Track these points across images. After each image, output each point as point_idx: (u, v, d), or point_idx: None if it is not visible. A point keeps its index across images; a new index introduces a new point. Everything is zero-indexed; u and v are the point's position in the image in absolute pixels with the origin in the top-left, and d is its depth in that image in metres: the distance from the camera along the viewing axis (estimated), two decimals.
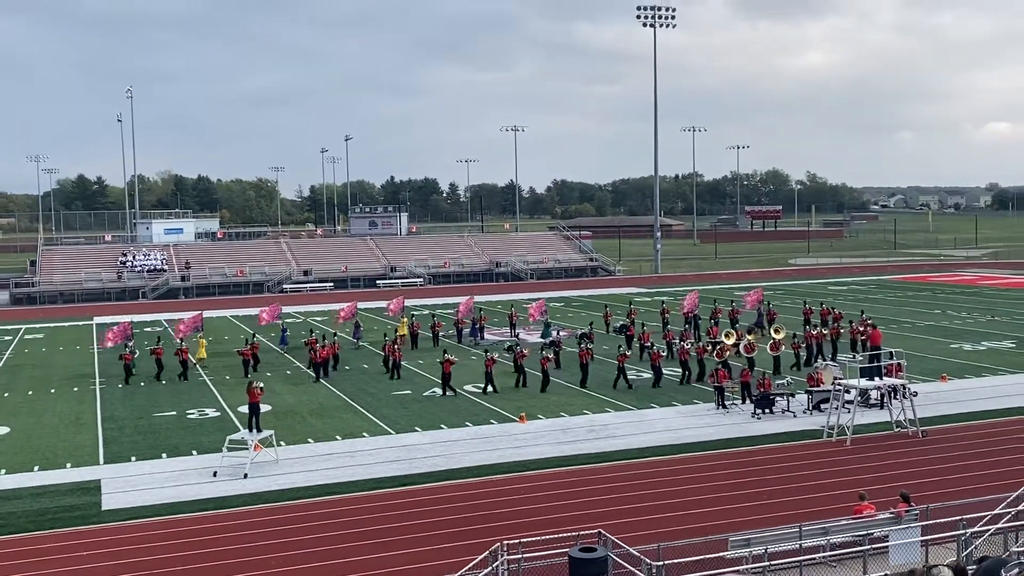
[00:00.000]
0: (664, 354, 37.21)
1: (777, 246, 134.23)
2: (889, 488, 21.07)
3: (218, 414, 31.94)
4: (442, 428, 29.02)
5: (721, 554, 15.74)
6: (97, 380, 39.05)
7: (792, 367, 36.65)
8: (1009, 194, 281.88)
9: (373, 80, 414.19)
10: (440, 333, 47.01)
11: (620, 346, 37.71)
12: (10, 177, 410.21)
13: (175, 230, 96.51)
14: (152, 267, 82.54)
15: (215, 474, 24.20)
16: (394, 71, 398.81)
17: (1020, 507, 17.68)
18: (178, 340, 41.94)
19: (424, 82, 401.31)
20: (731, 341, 36.73)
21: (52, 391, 36.94)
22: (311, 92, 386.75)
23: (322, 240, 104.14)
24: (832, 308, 46.77)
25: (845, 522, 17.56)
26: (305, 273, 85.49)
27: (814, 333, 39.63)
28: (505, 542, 15.78)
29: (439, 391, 33.91)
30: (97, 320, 60.86)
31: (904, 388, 27.47)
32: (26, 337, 54.39)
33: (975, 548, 15.91)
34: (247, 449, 24.78)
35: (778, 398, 30.20)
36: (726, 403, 30.83)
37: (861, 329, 41.45)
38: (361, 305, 55.76)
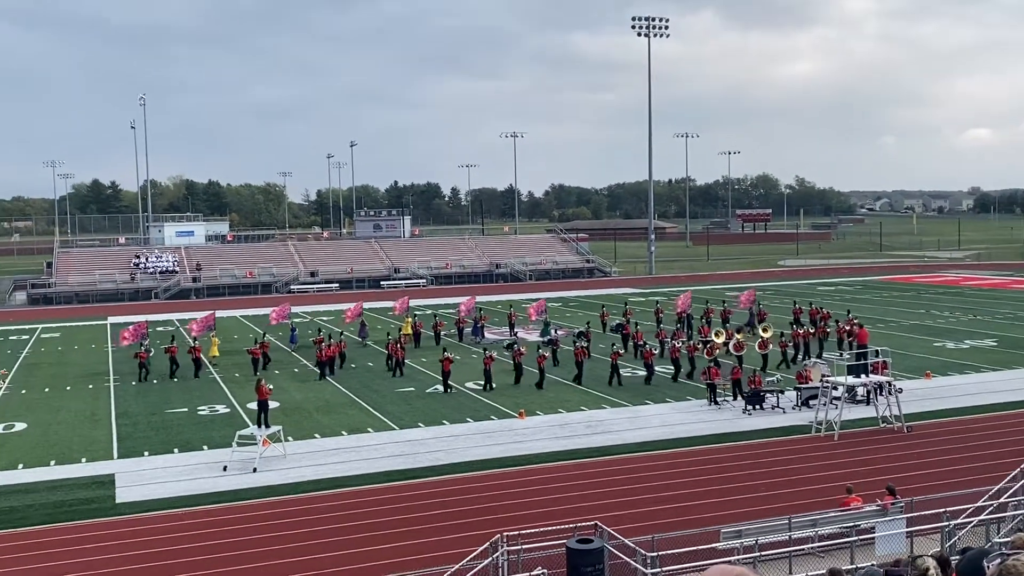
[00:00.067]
0: (656, 352, 37.82)
1: (767, 248, 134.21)
2: (875, 481, 21.40)
3: (228, 410, 32.24)
4: (444, 424, 29.39)
5: (713, 545, 16.07)
6: (111, 378, 39.40)
7: (779, 365, 37.10)
8: (990, 198, 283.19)
9: (377, 92, 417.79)
10: (442, 332, 47.49)
11: (614, 344, 38.33)
12: (28, 182, 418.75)
13: (186, 233, 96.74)
14: (164, 269, 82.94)
15: (225, 468, 24.52)
16: (397, 83, 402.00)
17: (1002, 499, 18.01)
18: (191, 339, 42.42)
19: (426, 93, 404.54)
20: (721, 340, 37.35)
21: (68, 388, 37.30)
22: (317, 103, 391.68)
23: (328, 242, 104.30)
24: (821, 308, 47.38)
25: (833, 514, 17.90)
26: (312, 274, 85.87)
27: (800, 332, 40.23)
28: (505, 533, 16.10)
29: (441, 388, 34.46)
30: (111, 320, 61.20)
31: (890, 385, 27.74)
32: (43, 336, 54.73)
33: (958, 539, 16.27)
34: (256, 444, 25.07)
35: (768, 395, 30.73)
36: (718, 399, 31.29)
37: (847, 328, 42.14)
38: (366, 305, 56.29)
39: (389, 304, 61.05)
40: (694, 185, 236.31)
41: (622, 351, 37.17)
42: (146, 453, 26.70)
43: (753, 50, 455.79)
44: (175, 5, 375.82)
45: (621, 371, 35.97)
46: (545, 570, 15.53)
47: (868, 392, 29.56)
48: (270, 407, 28.54)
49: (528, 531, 16.51)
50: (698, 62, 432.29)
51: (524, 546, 15.99)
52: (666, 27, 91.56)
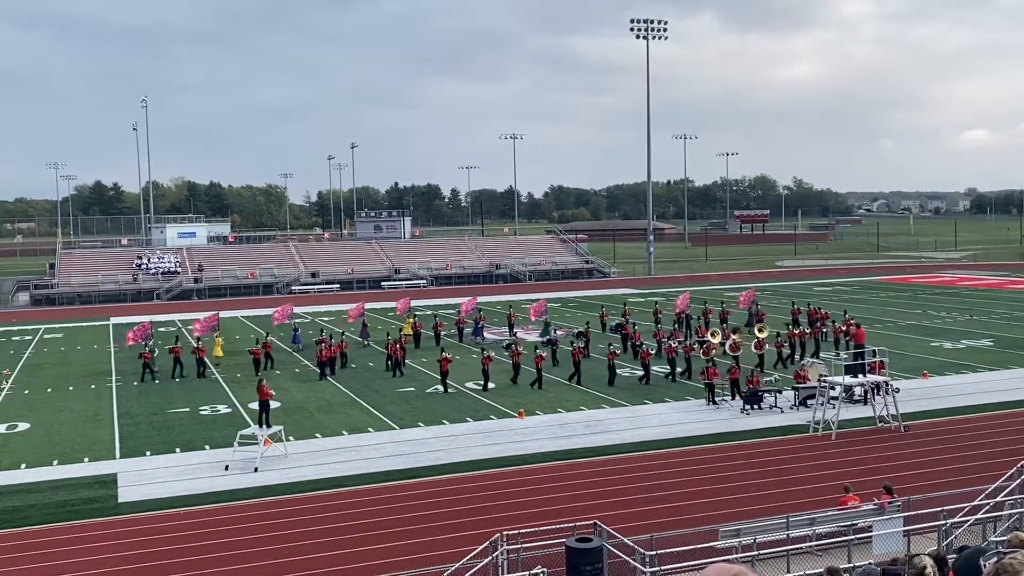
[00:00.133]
0: (653, 352, 37.96)
1: (765, 249, 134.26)
2: (872, 480, 21.46)
3: (229, 410, 32.37)
4: (444, 423, 29.51)
5: (711, 544, 16.11)
6: (113, 378, 39.50)
7: (775, 365, 37.24)
8: (987, 199, 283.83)
9: (377, 93, 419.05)
10: (442, 333, 47.64)
11: (611, 344, 38.46)
12: (30, 183, 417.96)
13: (188, 234, 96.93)
14: (166, 269, 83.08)
15: (227, 468, 24.63)
16: (397, 84, 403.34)
17: (998, 498, 18.05)
18: (195, 339, 42.55)
19: (426, 95, 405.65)
20: (717, 340, 37.47)
21: (70, 388, 37.40)
22: (318, 104, 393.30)
23: (329, 243, 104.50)
24: (819, 309, 47.55)
25: (830, 513, 17.94)
26: (313, 275, 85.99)
27: (796, 332, 40.37)
28: (505, 532, 16.13)
29: (441, 388, 34.61)
30: (114, 321, 61.43)
31: (887, 385, 27.86)
32: (45, 337, 54.86)
33: (955, 538, 16.26)
34: (257, 444, 25.17)
35: (766, 394, 30.88)
36: (716, 399, 31.46)
37: (844, 328, 42.32)
38: (367, 306, 56.38)
39: (390, 305, 61.24)
40: (692, 186, 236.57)
41: (618, 351, 37.26)
42: (148, 453, 26.80)
43: (751, 53, 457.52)
44: (175, 5, 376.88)
45: (620, 371, 36.07)
46: (545, 569, 15.60)
47: (865, 392, 29.57)
48: (271, 407, 28.70)
49: (527, 530, 16.56)
50: (696, 64, 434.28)
51: (523, 545, 16.03)
52: (664, 30, 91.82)
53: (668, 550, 15.33)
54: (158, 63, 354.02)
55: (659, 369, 36.40)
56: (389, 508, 21.52)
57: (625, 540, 15.77)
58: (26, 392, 36.77)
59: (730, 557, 15.76)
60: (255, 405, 29.40)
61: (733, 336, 37.87)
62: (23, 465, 25.67)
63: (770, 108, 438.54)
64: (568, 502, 21.51)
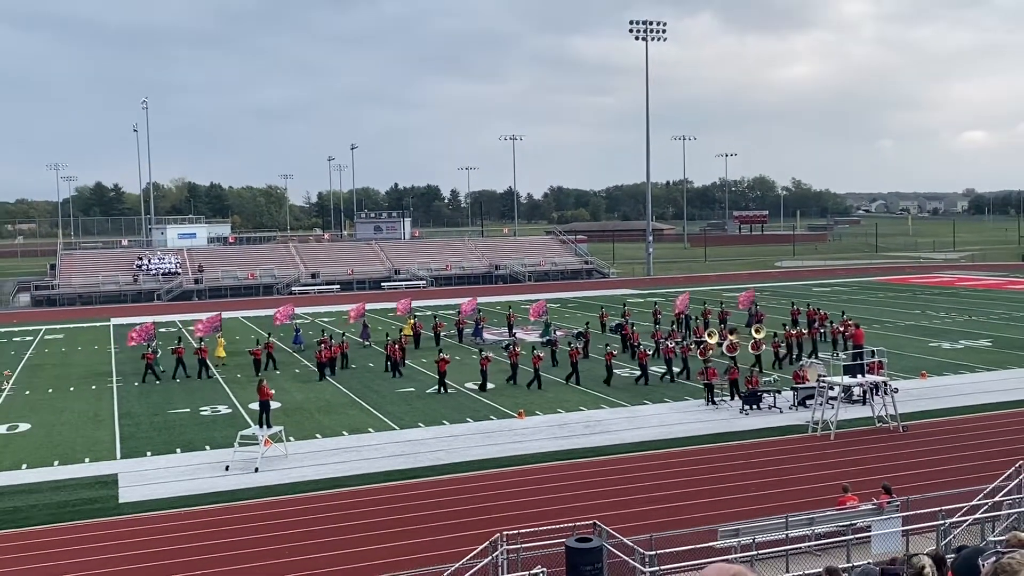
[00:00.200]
0: (650, 353, 38.03)
1: (764, 249, 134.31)
2: (871, 480, 21.50)
3: (230, 411, 32.42)
4: (444, 424, 29.57)
5: (711, 544, 16.14)
6: (114, 378, 39.54)
7: (773, 365, 37.28)
8: (985, 199, 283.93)
9: (377, 94, 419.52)
10: (442, 333, 47.67)
11: (607, 345, 38.50)
12: (31, 185, 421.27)
13: (188, 235, 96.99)
14: (167, 270, 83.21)
15: (227, 468, 24.69)
16: (397, 85, 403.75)
17: (996, 498, 18.07)
18: (197, 339, 42.55)
19: (426, 95, 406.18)
20: (714, 340, 37.55)
21: (71, 389, 37.45)
22: (318, 104, 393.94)
23: (329, 244, 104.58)
24: (818, 310, 47.62)
25: (829, 513, 17.97)
26: (313, 276, 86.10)
27: (793, 332, 40.42)
28: (505, 532, 16.16)
29: (440, 388, 34.59)
30: (114, 321, 61.56)
31: (885, 385, 27.92)
32: (46, 338, 54.92)
33: (953, 537, 16.30)
34: (258, 444, 25.23)
35: (765, 395, 30.94)
36: (715, 399, 31.57)
37: (842, 329, 42.42)
38: (367, 306, 56.45)
39: (390, 305, 61.31)
40: (692, 187, 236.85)
41: (615, 352, 37.32)
42: (149, 453, 26.86)
43: (750, 53, 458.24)
44: (175, 6, 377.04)
45: (620, 372, 36.10)
46: (544, 569, 15.64)
47: (864, 392, 29.64)
48: (272, 407, 28.75)
49: (527, 530, 16.61)
50: (696, 65, 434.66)
51: (523, 545, 16.07)
52: (663, 31, 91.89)
53: (667, 550, 15.36)
54: (158, 64, 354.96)
55: (657, 370, 36.44)
56: (389, 508, 21.56)
57: (624, 540, 15.80)
58: (27, 393, 36.83)
59: (729, 557, 15.75)
60: (255, 405, 29.45)
61: (730, 337, 37.92)
62: (24, 466, 25.73)
63: (769, 109, 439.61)
64: (568, 502, 21.56)
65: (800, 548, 16.92)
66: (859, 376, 28.53)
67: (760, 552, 16.49)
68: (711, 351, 35.71)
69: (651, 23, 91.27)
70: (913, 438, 26.77)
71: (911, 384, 33.77)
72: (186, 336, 48.10)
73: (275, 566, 18.29)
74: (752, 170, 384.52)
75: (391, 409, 31.96)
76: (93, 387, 37.78)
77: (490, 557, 15.86)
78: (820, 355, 37.25)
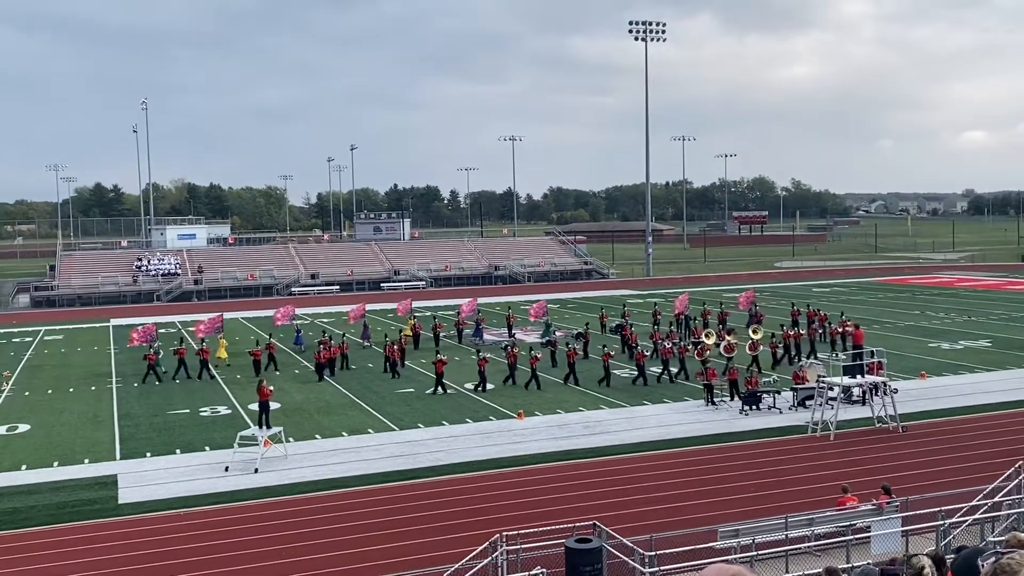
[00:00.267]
0: (648, 354, 38.01)
1: (763, 250, 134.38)
2: (871, 481, 21.54)
3: (229, 412, 32.41)
4: (443, 424, 29.58)
5: (710, 544, 16.14)
6: (114, 379, 39.54)
7: (772, 366, 37.25)
8: (984, 200, 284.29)
9: (377, 94, 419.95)
10: (441, 334, 47.65)
11: (604, 346, 38.49)
12: (30, 185, 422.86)
13: (188, 236, 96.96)
14: (166, 271, 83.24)
15: (227, 469, 24.69)
16: (397, 85, 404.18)
17: (996, 499, 18.06)
18: (199, 340, 42.51)
19: (425, 96, 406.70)
20: (711, 341, 37.57)
21: (71, 390, 37.44)
22: (317, 105, 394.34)
23: (329, 245, 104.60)
24: (818, 311, 47.64)
25: (829, 513, 17.96)
26: (312, 277, 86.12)
27: (791, 333, 40.43)
28: (504, 533, 16.18)
29: (440, 389, 34.61)
30: (114, 322, 61.58)
31: (885, 385, 27.94)
32: (46, 338, 54.92)
33: (953, 538, 16.30)
34: (257, 445, 25.24)
35: (765, 395, 30.93)
36: (715, 400, 31.59)
37: (840, 330, 42.43)
38: (368, 307, 56.45)
39: (389, 306, 61.37)
40: (691, 188, 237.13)
41: (612, 353, 37.34)
42: (148, 454, 26.85)
43: (750, 54, 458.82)
44: (175, 6, 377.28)
45: (620, 373, 36.07)
46: (544, 569, 15.65)
47: (864, 392, 29.71)
48: (271, 408, 28.75)
49: (527, 531, 16.61)
50: (695, 66, 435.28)
51: (523, 546, 16.07)
52: (663, 31, 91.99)
53: (667, 551, 15.36)
54: (158, 64, 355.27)
55: (656, 370, 36.44)
56: (389, 509, 21.57)
57: (624, 541, 15.82)
58: (26, 394, 36.82)
59: (729, 557, 15.78)
60: (255, 406, 29.47)
61: (728, 337, 37.92)
62: (24, 466, 25.73)
63: (769, 109, 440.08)
64: (567, 503, 21.56)
65: (800, 548, 16.94)
66: (859, 377, 28.55)
67: (760, 552, 16.49)
68: (708, 351, 35.70)
69: (651, 23, 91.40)
70: (913, 438, 26.78)
71: (910, 384, 33.79)
72: (187, 337, 48.10)
73: (275, 567, 18.29)
74: (752, 170, 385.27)
75: (390, 410, 31.96)
76: (93, 388, 37.78)
77: (490, 558, 15.86)
78: (818, 355, 37.28)
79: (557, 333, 46.92)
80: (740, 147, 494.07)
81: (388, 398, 34.06)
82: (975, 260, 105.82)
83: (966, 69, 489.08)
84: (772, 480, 23.17)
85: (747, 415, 29.98)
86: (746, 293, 53.21)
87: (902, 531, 17.04)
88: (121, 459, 26.46)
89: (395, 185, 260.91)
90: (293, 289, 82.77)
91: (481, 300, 57.22)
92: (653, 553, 15.18)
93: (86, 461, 26.22)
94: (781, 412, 30.13)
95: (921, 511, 17.27)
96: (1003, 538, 12.41)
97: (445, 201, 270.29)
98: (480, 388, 34.65)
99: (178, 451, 27.09)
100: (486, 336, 48.44)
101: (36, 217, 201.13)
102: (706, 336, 38.27)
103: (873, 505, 18.35)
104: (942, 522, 16.46)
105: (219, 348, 42.93)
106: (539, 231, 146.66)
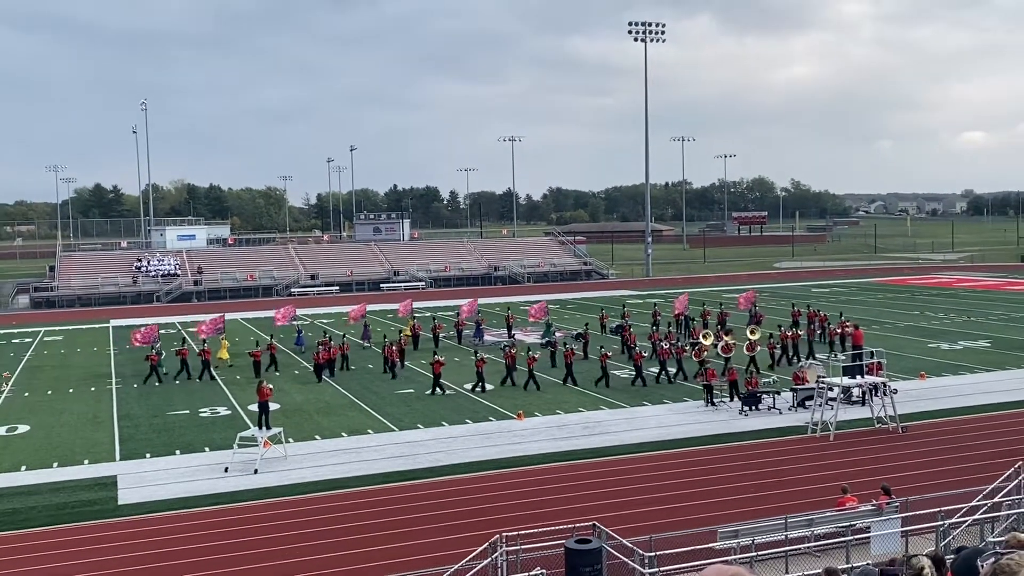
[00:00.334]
0: (646, 355, 38.00)
1: (763, 250, 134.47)
2: (871, 481, 21.56)
3: (229, 412, 32.41)
4: (443, 425, 29.59)
5: (710, 545, 16.15)
6: (113, 380, 39.55)
7: (769, 367, 37.25)
8: (984, 200, 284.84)
9: (376, 94, 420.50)
10: (441, 335, 47.65)
11: (601, 347, 38.46)
12: (30, 186, 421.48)
13: (188, 236, 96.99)
14: (166, 272, 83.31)
15: (226, 470, 24.70)
16: (397, 86, 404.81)
17: (995, 499, 18.07)
18: (200, 341, 42.51)
19: (425, 96, 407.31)
20: (709, 341, 37.57)
21: (70, 391, 37.46)
22: (317, 105, 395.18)
23: (328, 246, 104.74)
24: (818, 311, 47.63)
25: (829, 514, 17.97)
26: (312, 277, 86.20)
27: (789, 334, 40.44)
28: (504, 534, 16.20)
29: (440, 390, 34.60)
30: (113, 323, 61.64)
31: (885, 386, 27.97)
32: (45, 339, 54.94)
33: (953, 538, 16.29)
34: (257, 446, 25.25)
35: (764, 396, 30.94)
36: (715, 400, 31.60)
37: (839, 330, 42.44)
38: (368, 307, 56.45)
39: (389, 306, 61.38)
40: (691, 188, 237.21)
41: (610, 354, 37.35)
42: (148, 455, 26.86)
43: (749, 54, 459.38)
44: (175, 7, 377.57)
45: (620, 373, 36.03)
46: (544, 570, 15.65)
47: (863, 393, 29.75)
48: (271, 409, 28.74)
49: (527, 531, 16.63)
50: (695, 67, 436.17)
51: (523, 546, 16.09)
52: (662, 32, 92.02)
53: (667, 551, 15.37)
54: (158, 65, 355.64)
55: (655, 371, 36.44)
56: (388, 510, 21.57)
57: (624, 541, 15.84)
58: (26, 394, 36.84)
59: (729, 558, 15.81)
60: (255, 407, 29.47)
61: (725, 338, 37.92)
62: (23, 467, 25.74)
63: (768, 110, 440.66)
64: (567, 504, 21.56)
65: (799, 549, 16.96)
66: (858, 377, 28.55)
67: (760, 553, 16.51)
68: (705, 352, 35.70)
69: (650, 24, 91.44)
70: (912, 439, 26.78)
71: (910, 385, 33.79)
72: (188, 338, 48.10)
73: (275, 568, 18.30)
74: (751, 171, 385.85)
75: (390, 410, 31.97)
76: (92, 389, 37.78)
77: (490, 559, 15.87)
78: (816, 356, 37.30)
79: (557, 334, 46.93)
80: (739, 148, 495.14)
81: (388, 399, 34.06)
82: (974, 260, 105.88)
83: (965, 69, 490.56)
84: (772, 480, 23.17)
85: (747, 416, 29.97)
86: (747, 293, 53.22)
87: (902, 531, 17.04)
88: (121, 460, 26.47)
89: (395, 186, 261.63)
90: (293, 290, 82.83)
91: (481, 301, 57.25)
92: (653, 554, 15.19)
93: (86, 462, 26.23)
94: (781, 413, 30.13)
95: (921, 511, 17.26)
96: (1003, 538, 12.39)
97: (445, 202, 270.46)
98: (479, 389, 34.64)
99: (178, 452, 27.09)
100: (486, 337, 48.43)
101: (36, 218, 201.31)
102: (703, 337, 38.27)
103: (873, 505, 18.35)
104: (942, 522, 16.44)
105: (221, 349, 42.91)
106: (539, 232, 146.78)
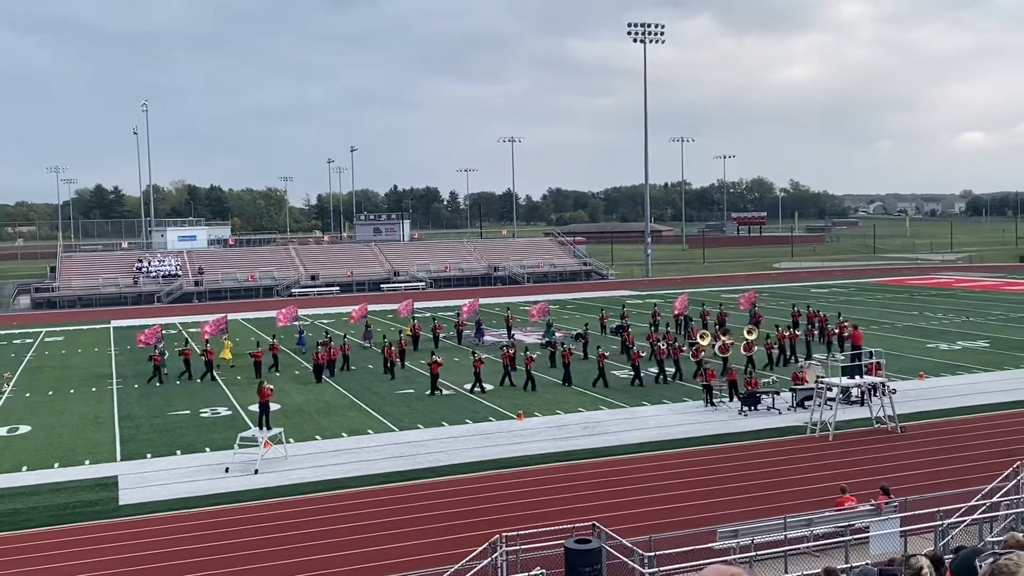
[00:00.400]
0: (644, 355, 38.05)
1: (762, 251, 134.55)
2: (869, 481, 21.56)
3: (230, 413, 32.45)
4: (443, 425, 29.64)
5: (709, 545, 16.18)
6: (114, 381, 39.60)
7: (765, 367, 37.31)
8: (982, 201, 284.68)
9: (377, 95, 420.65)
10: (441, 335, 47.68)
11: (599, 347, 38.49)
12: (31, 187, 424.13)
13: (188, 237, 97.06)
14: (167, 273, 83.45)
15: (227, 470, 24.73)
16: (397, 86, 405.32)
17: (994, 499, 18.10)
18: (203, 341, 42.57)
19: (425, 96, 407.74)
20: (706, 342, 37.59)
21: (71, 391, 37.50)
22: (317, 106, 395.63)
23: (329, 246, 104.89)
24: (817, 312, 47.68)
25: (828, 514, 17.99)
26: (313, 278, 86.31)
27: (787, 334, 40.48)
28: (504, 534, 16.22)
29: (438, 391, 34.68)
30: (114, 324, 61.71)
31: (883, 386, 28.01)
32: (46, 340, 54.99)
33: (951, 538, 16.35)
34: (257, 446, 25.29)
35: (764, 396, 30.98)
36: (714, 401, 31.64)
37: (837, 331, 42.50)
38: (369, 308, 56.46)
39: (389, 307, 61.38)
40: (690, 189, 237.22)
41: (607, 354, 37.38)
42: (149, 455, 26.90)
43: (749, 55, 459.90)
44: (175, 7, 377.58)
45: (619, 374, 36.05)
46: (543, 570, 15.68)
47: (862, 393, 29.79)
48: (271, 409, 28.78)
49: (526, 531, 16.65)
50: (694, 68, 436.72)
51: (523, 546, 16.11)
52: (662, 33, 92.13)
53: (667, 551, 15.40)
54: (158, 66, 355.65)
55: (653, 371, 36.48)
56: (389, 510, 21.60)
57: (624, 541, 15.87)
58: (27, 395, 36.89)
59: (728, 558, 15.85)
60: (255, 407, 29.51)
61: (723, 338, 37.98)
62: (24, 468, 25.78)
63: (767, 110, 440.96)
64: (567, 504, 21.59)
65: (799, 549, 16.98)
66: (857, 377, 28.59)
67: (759, 553, 16.55)
68: (703, 352, 35.73)
69: (649, 25, 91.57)
70: (911, 439, 26.82)
71: (909, 385, 33.82)
72: (190, 339, 48.14)
73: (275, 568, 18.33)
74: (750, 172, 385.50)
75: (390, 411, 32.01)
76: (93, 389, 37.83)
77: (489, 559, 15.89)
78: (813, 356, 37.33)
79: (557, 334, 46.96)
80: (739, 148, 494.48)
81: (388, 399, 34.11)
82: (973, 261, 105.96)
83: (964, 70, 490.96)
84: (771, 480, 23.20)
85: (746, 416, 30.01)
86: (747, 293, 53.26)
87: (901, 531, 17.06)
88: (122, 460, 26.52)
89: (395, 186, 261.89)
90: (293, 290, 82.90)
91: (481, 301, 57.30)
92: (652, 554, 15.22)
93: (87, 462, 26.27)
94: (780, 413, 30.17)
95: (919, 511, 17.29)
96: (1001, 538, 12.43)
97: (445, 202, 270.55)
98: (479, 389, 34.68)
99: (178, 452, 27.13)
100: (487, 337, 48.46)
101: (36, 219, 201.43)
102: (700, 337, 38.31)
103: (872, 505, 18.37)
104: (940, 522, 16.50)
105: (223, 349, 42.95)
106: (538, 232, 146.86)
